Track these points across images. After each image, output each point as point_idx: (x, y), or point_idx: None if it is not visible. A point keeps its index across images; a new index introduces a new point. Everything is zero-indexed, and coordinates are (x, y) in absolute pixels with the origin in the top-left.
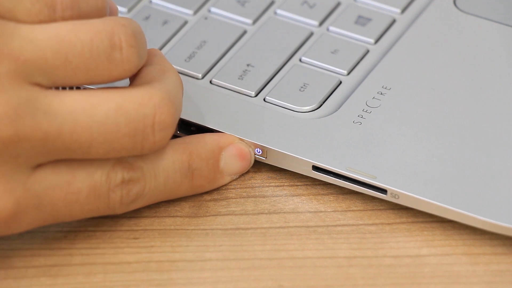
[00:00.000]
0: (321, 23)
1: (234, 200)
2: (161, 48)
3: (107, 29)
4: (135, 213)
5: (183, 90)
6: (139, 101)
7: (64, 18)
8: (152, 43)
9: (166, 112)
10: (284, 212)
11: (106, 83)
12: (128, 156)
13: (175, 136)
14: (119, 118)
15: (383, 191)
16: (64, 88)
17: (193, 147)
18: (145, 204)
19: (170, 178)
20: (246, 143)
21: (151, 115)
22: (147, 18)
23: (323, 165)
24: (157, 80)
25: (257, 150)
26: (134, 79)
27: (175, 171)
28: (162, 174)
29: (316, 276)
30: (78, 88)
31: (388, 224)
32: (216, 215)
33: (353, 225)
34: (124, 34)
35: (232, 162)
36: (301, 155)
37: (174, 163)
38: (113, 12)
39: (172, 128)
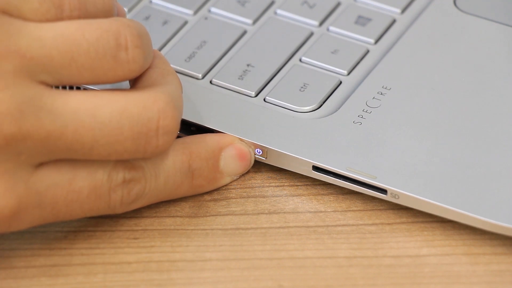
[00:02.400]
0: (321, 23)
1: (234, 200)
2: (161, 48)
3: (113, 29)
4: (135, 213)
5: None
6: (143, 104)
7: (71, 19)
8: (152, 43)
9: (170, 116)
10: (284, 212)
11: (111, 83)
12: (130, 159)
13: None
14: (123, 120)
15: (383, 191)
16: (69, 87)
17: (193, 147)
18: (145, 204)
19: (170, 178)
20: (246, 143)
21: (155, 119)
22: (147, 18)
23: (323, 165)
24: (160, 83)
25: (257, 151)
26: (136, 81)
27: (176, 171)
28: (163, 174)
29: (316, 276)
30: (83, 88)
31: (388, 224)
32: (216, 215)
33: (353, 225)
34: (130, 35)
35: (232, 162)
36: (301, 155)
37: (175, 163)
38: (121, 15)
39: (175, 132)
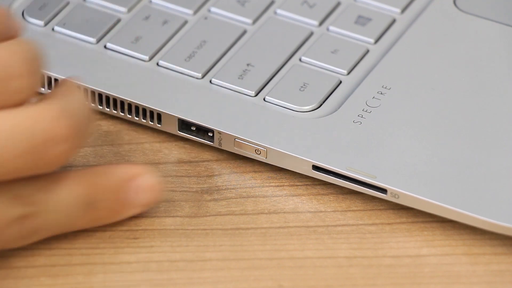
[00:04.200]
0: (321, 23)
1: (234, 200)
2: (161, 48)
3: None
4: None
5: (89, 109)
6: (36, 116)
7: None
8: (152, 43)
9: (64, 125)
10: (284, 212)
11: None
12: (27, 175)
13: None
14: (17, 136)
15: (383, 191)
16: None
17: (95, 179)
18: (43, 237)
19: (67, 211)
20: (154, 174)
21: (48, 130)
22: (147, 18)
23: (323, 165)
24: (54, 96)
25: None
26: None
27: (72, 205)
28: (59, 208)
29: (316, 276)
30: None
31: (388, 224)
32: (216, 215)
33: (353, 225)
34: (17, 64)
35: (138, 194)
36: (301, 155)
37: (72, 196)
38: (14, 34)
39: (72, 141)
